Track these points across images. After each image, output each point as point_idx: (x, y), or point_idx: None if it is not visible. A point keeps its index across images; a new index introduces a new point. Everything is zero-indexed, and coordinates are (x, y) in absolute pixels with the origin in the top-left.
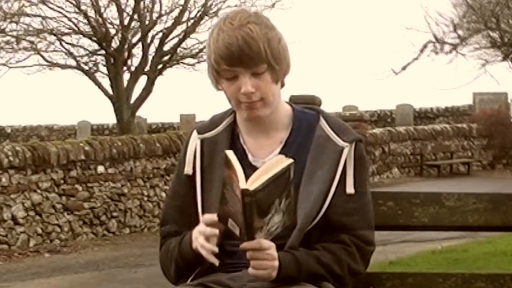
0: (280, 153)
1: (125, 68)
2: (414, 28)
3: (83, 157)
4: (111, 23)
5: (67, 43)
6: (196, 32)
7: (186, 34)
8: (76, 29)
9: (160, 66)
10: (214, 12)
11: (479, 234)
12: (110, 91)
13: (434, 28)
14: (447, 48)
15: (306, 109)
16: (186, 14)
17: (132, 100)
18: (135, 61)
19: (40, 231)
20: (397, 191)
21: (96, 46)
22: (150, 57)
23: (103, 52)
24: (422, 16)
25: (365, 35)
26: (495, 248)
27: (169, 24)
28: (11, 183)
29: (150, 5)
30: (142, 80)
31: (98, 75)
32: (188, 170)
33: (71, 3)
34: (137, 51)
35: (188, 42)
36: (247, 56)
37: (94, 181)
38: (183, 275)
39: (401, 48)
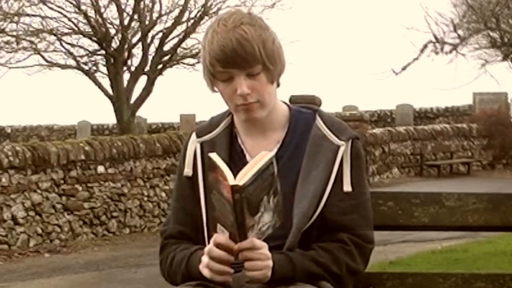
0: (277, 153)
1: (125, 68)
2: (414, 28)
3: (83, 157)
4: (111, 23)
5: (67, 43)
6: (196, 32)
7: (186, 34)
8: (76, 29)
9: (160, 66)
10: (214, 12)
11: (479, 234)
12: (110, 91)
13: (434, 28)
14: (447, 48)
15: (303, 108)
16: (186, 14)
17: (132, 100)
18: (135, 61)
19: (40, 231)
20: (397, 191)
21: (96, 46)
22: (150, 57)
23: (103, 52)
24: (422, 16)
25: (365, 35)
26: (495, 248)
27: (169, 24)
28: (11, 183)
29: (150, 5)
30: (142, 80)
31: (98, 75)
32: (187, 171)
33: (71, 3)
34: (137, 51)
35: (188, 42)
36: (242, 57)
37: (94, 181)
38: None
39: (401, 48)
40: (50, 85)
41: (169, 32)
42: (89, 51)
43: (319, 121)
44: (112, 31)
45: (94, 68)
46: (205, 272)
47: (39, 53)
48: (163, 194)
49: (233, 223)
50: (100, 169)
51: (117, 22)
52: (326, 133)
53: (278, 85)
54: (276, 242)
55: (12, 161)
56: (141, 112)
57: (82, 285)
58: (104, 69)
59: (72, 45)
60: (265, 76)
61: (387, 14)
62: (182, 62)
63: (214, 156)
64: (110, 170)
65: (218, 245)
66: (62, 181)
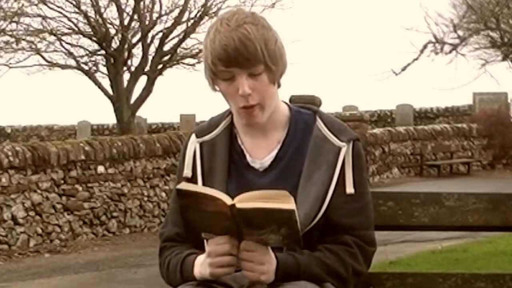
0: (278, 153)
1: (125, 68)
2: (414, 29)
3: (83, 157)
4: (111, 23)
5: (67, 43)
6: (196, 32)
7: (186, 34)
8: (76, 29)
9: (160, 66)
10: (214, 12)
11: (479, 234)
12: (110, 91)
13: (434, 28)
14: (447, 48)
15: (303, 108)
16: (186, 14)
17: (132, 100)
18: (135, 61)
19: (40, 231)
20: (397, 191)
21: (96, 46)
22: (150, 57)
23: (103, 52)
24: (422, 16)
25: (365, 36)
26: (495, 248)
27: (169, 24)
28: (11, 183)
29: (150, 5)
30: (142, 80)
31: (98, 75)
32: (187, 172)
33: (71, 3)
34: (137, 51)
35: (188, 42)
36: (244, 57)
37: (94, 181)
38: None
39: (401, 48)
40: (50, 85)
41: (169, 32)
42: (89, 51)
43: (319, 123)
44: (112, 31)
45: (94, 68)
46: (207, 272)
47: (39, 53)
48: (163, 194)
49: (226, 228)
50: (100, 169)
51: (117, 22)
52: (327, 135)
53: (279, 86)
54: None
55: (12, 161)
56: (141, 112)
57: (82, 285)
58: (104, 69)
59: (72, 45)
60: (266, 76)
61: (387, 15)
62: (182, 62)
63: (185, 185)
64: (110, 170)
65: (218, 242)
66: (62, 181)
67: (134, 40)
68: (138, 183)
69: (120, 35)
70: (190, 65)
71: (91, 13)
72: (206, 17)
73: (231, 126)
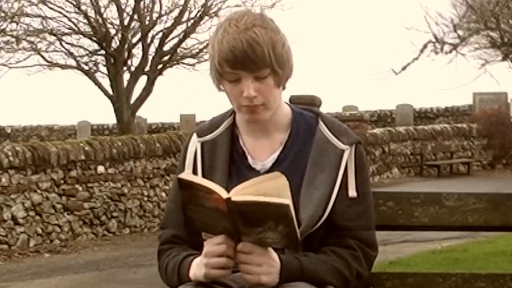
0: (279, 155)
1: (125, 68)
2: (414, 28)
3: (83, 157)
4: (111, 23)
5: (67, 43)
6: (196, 32)
7: (186, 34)
8: (76, 29)
9: (160, 66)
10: (214, 12)
11: (479, 234)
12: (110, 91)
13: (434, 28)
14: (447, 48)
15: (305, 110)
16: (186, 14)
17: (132, 100)
18: (135, 61)
19: (40, 231)
20: (397, 191)
21: (96, 46)
22: (150, 57)
23: (103, 52)
24: (422, 16)
25: (365, 35)
26: (495, 248)
27: (169, 24)
28: (11, 183)
29: (150, 5)
30: (142, 80)
31: (98, 75)
32: (188, 173)
33: (71, 3)
34: (137, 51)
35: (188, 42)
36: (251, 60)
37: (94, 181)
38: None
39: (401, 48)
40: (50, 85)
41: (169, 32)
42: (89, 51)
43: (322, 125)
44: (112, 31)
45: (94, 68)
46: (202, 272)
47: (39, 53)
48: (163, 194)
49: (225, 228)
50: (100, 169)
51: (117, 22)
52: (329, 138)
53: (283, 88)
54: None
55: (12, 161)
56: (141, 112)
57: (82, 285)
58: (104, 69)
59: (72, 45)
60: (272, 79)
61: (387, 14)
62: (182, 62)
63: (186, 175)
64: (110, 170)
65: (215, 242)
66: (62, 181)
67: (134, 40)
68: (138, 183)
69: (120, 35)
70: (190, 65)
71: (91, 13)
72: (206, 17)
73: (233, 126)
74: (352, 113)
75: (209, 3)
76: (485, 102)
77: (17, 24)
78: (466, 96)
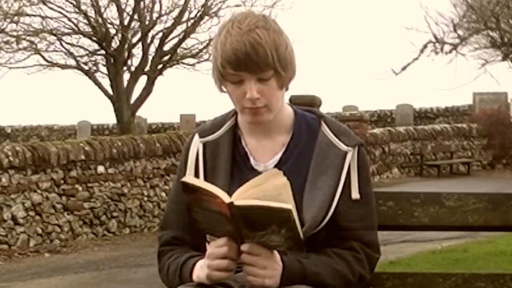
0: (282, 157)
1: (125, 68)
2: (414, 28)
3: (83, 157)
4: (111, 23)
5: (67, 43)
6: (196, 32)
7: (186, 34)
8: (76, 29)
9: (160, 66)
10: (214, 12)
11: (479, 234)
12: (110, 91)
13: (434, 28)
14: (447, 48)
15: (307, 112)
16: (186, 14)
17: (132, 100)
18: (135, 61)
19: (40, 231)
20: (397, 191)
21: (96, 46)
22: (150, 57)
23: (103, 52)
24: (422, 16)
25: (365, 35)
26: (495, 248)
27: (169, 24)
28: (11, 183)
29: (150, 5)
30: (142, 80)
31: (98, 75)
32: (190, 173)
33: (71, 3)
34: (137, 51)
35: (188, 42)
36: (254, 62)
37: (94, 181)
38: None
39: (401, 48)
40: (50, 85)
41: (169, 32)
42: (89, 51)
43: (324, 127)
44: (112, 31)
45: (94, 68)
46: (203, 274)
47: (39, 53)
48: (163, 194)
49: (228, 231)
50: (100, 169)
51: (117, 22)
52: (332, 140)
53: (286, 89)
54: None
55: (12, 161)
56: (141, 112)
57: (82, 285)
58: (104, 69)
59: (72, 45)
60: (275, 81)
61: (387, 14)
62: (182, 62)
63: (190, 179)
64: (110, 170)
65: (218, 244)
66: (62, 181)
67: (134, 40)
68: (138, 183)
69: (120, 35)
70: (190, 65)
71: (91, 13)
72: (206, 17)
73: (235, 127)
74: (352, 113)
75: (209, 3)
76: (485, 102)
77: (17, 24)
78: (466, 96)
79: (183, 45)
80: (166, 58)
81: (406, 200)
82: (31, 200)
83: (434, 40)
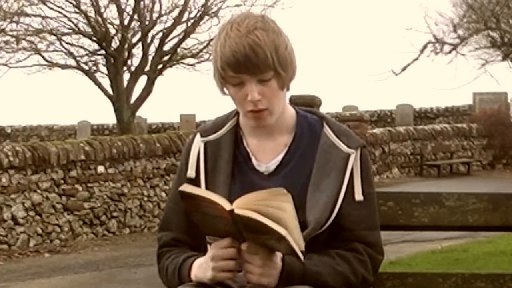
0: (283, 158)
1: (125, 68)
2: (414, 29)
3: (83, 157)
4: (111, 23)
5: (67, 43)
6: (196, 32)
7: (186, 34)
8: (76, 29)
9: (160, 66)
10: (214, 12)
11: (479, 234)
12: (110, 91)
13: (434, 28)
14: (447, 48)
15: (309, 113)
16: (186, 14)
17: (132, 100)
18: (135, 61)
19: (40, 231)
20: (397, 191)
21: (96, 46)
22: (150, 57)
23: (103, 52)
24: (422, 16)
25: (365, 36)
26: (495, 248)
27: (169, 24)
28: (11, 183)
29: (150, 5)
30: (142, 80)
31: (98, 75)
32: (191, 173)
33: (71, 3)
34: (137, 51)
35: (188, 42)
36: (254, 64)
37: (94, 181)
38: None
39: (401, 48)
40: (50, 85)
41: (169, 32)
42: (89, 51)
43: (327, 129)
44: (112, 31)
45: (94, 68)
46: (206, 275)
47: (39, 53)
48: (163, 194)
49: (230, 233)
50: (100, 169)
51: (117, 22)
52: (335, 141)
53: (287, 89)
54: None
55: (12, 161)
56: (141, 112)
57: (82, 285)
58: (104, 69)
59: (72, 45)
60: (276, 82)
61: (387, 15)
62: (182, 62)
63: (187, 187)
64: (110, 170)
65: (222, 245)
66: (62, 181)
67: (134, 40)
68: (138, 183)
69: (120, 35)
70: (190, 65)
71: (91, 13)
72: (206, 17)
73: (237, 127)
74: (352, 113)
75: (209, 3)
76: (485, 102)
77: (17, 24)
78: (466, 96)
79: (183, 45)
80: (166, 58)
81: (406, 200)
82: (31, 200)
83: (434, 40)
